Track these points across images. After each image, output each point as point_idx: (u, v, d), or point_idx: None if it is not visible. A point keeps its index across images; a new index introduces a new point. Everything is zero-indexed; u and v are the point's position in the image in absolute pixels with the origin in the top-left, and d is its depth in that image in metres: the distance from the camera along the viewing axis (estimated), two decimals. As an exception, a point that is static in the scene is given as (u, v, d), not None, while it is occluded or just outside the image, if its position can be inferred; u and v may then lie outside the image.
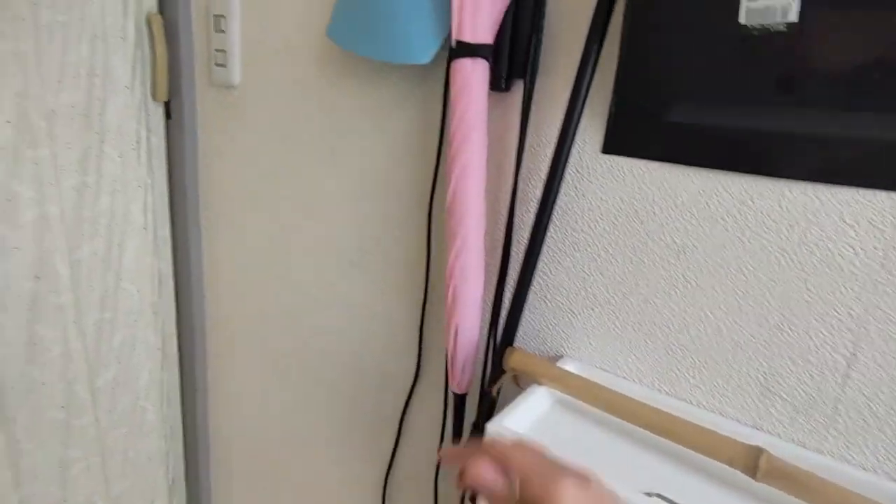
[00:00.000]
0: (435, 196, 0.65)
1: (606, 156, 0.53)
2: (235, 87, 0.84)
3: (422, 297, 0.69)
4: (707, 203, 0.49)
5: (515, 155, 0.57)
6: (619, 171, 0.53)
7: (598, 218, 0.55)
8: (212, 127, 0.89)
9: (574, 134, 0.52)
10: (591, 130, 0.54)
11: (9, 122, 0.73)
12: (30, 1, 0.72)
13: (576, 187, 0.56)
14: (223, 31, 0.81)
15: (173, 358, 1.02)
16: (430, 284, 0.68)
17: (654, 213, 0.51)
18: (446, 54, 0.56)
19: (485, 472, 0.32)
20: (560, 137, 0.52)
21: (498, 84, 0.57)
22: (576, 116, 0.52)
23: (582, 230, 0.56)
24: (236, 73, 0.83)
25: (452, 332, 0.60)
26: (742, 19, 0.42)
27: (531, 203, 0.59)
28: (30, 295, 0.80)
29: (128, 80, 0.83)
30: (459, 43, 0.54)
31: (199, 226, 0.96)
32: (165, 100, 0.89)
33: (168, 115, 0.92)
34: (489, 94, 0.57)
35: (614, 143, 0.53)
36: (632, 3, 0.48)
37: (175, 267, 0.99)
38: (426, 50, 0.58)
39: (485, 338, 0.63)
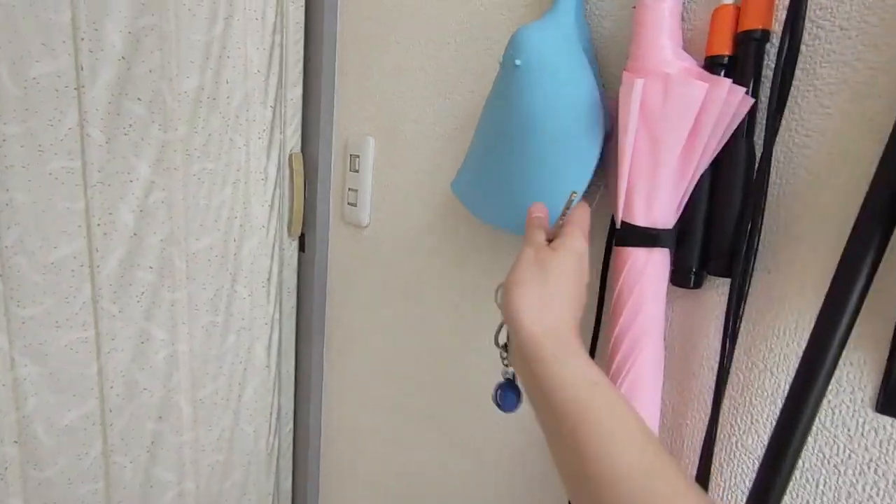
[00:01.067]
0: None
1: (883, 417, 0.32)
2: (365, 227, 0.77)
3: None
4: None
5: (714, 380, 0.39)
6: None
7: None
8: (342, 264, 0.84)
9: (827, 376, 0.32)
10: (853, 368, 0.33)
11: (151, 267, 0.73)
12: (185, 152, 0.73)
13: (822, 451, 0.35)
14: (357, 171, 0.77)
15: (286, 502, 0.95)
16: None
17: None
18: (602, 224, 0.41)
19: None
20: (803, 374, 0.33)
21: (683, 279, 0.40)
22: (831, 349, 0.32)
23: (833, 523, 0.34)
24: (366, 213, 0.76)
25: None
26: None
27: (739, 453, 0.39)
28: (151, 436, 0.78)
29: (264, 220, 0.82)
30: (627, 225, 0.39)
31: (323, 363, 0.90)
32: (300, 234, 0.87)
33: (302, 248, 0.89)
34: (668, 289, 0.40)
35: (900, 402, 0.31)
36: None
37: (296, 404, 0.93)
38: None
39: None
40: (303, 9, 0.80)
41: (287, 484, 0.96)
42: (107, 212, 0.69)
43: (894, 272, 0.31)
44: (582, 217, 0.39)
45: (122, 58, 0.66)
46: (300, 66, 0.82)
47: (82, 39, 0.63)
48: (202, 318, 0.80)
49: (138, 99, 0.68)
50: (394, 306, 0.73)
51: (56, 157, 0.65)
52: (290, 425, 0.94)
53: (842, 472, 0.34)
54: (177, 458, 0.80)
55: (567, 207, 0.39)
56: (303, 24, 0.81)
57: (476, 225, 0.60)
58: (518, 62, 0.40)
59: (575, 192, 0.39)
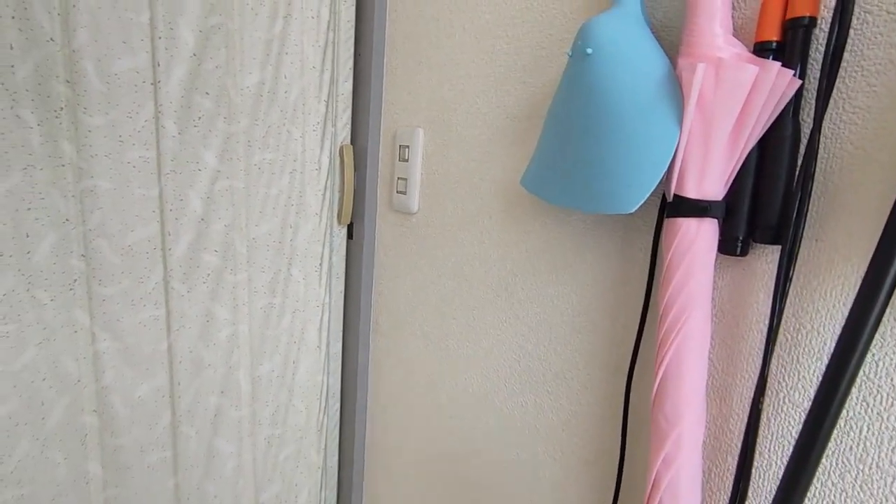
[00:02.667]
0: (635, 373, 0.51)
1: (925, 367, 0.36)
2: (414, 214, 0.82)
3: (611, 497, 0.54)
4: None
5: (764, 341, 0.42)
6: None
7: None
8: (390, 250, 0.88)
9: (872, 331, 0.35)
10: (893, 323, 0.36)
11: (216, 251, 0.78)
12: (246, 143, 0.79)
13: (865, 401, 0.38)
14: (406, 161, 0.81)
15: (333, 478, 0.99)
16: (622, 485, 0.53)
17: None
18: (652, 199, 0.45)
19: None
20: (847, 335, 0.36)
21: (731, 247, 0.43)
22: (876, 307, 0.35)
23: (881, 466, 0.38)
24: (415, 201, 0.81)
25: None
26: None
27: (787, 407, 0.42)
28: (214, 409, 0.84)
29: (317, 207, 0.87)
30: (679, 198, 0.42)
31: (369, 345, 0.95)
32: (349, 223, 0.92)
33: (350, 235, 0.94)
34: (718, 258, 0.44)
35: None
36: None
37: (342, 384, 0.98)
38: (633, 200, 0.46)
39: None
40: (353, 7, 0.85)
41: (334, 459, 1.01)
42: (178, 198, 0.74)
43: (936, 235, 0.34)
44: None
45: (194, 55, 0.71)
46: (350, 62, 0.87)
47: (159, 38, 0.69)
48: (261, 299, 0.85)
49: (206, 93, 0.74)
50: (443, 286, 0.77)
51: (134, 147, 0.70)
52: (338, 404, 0.99)
53: (885, 418, 0.37)
54: (236, 431, 0.86)
55: None
56: (353, 23, 0.86)
57: (525, 207, 0.64)
58: (589, 50, 0.43)
59: None
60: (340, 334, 0.97)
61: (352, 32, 0.86)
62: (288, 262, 0.86)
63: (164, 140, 0.72)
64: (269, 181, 0.82)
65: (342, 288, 0.95)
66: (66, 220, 0.67)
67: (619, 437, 0.53)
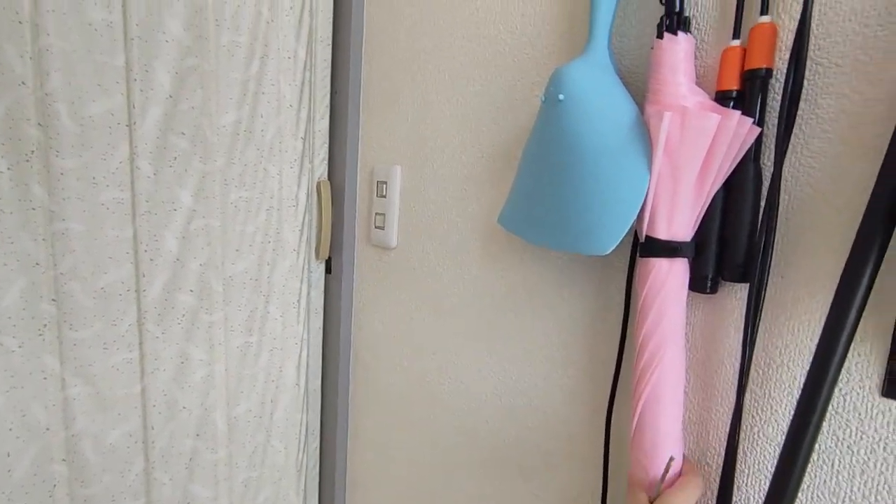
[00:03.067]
0: (614, 409, 0.52)
1: (889, 401, 0.37)
2: (392, 249, 0.82)
3: (598, 531, 0.54)
4: None
5: (737, 377, 0.43)
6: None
7: (878, 482, 0.37)
8: (369, 285, 0.88)
9: (839, 366, 0.37)
10: (861, 359, 0.38)
11: (192, 291, 0.77)
12: (223, 182, 0.78)
13: (835, 435, 0.39)
14: (384, 196, 0.82)
15: (312, 519, 0.97)
16: (609, 520, 0.53)
17: None
18: (626, 238, 0.46)
19: None
20: (817, 366, 0.37)
21: (701, 285, 0.45)
22: (840, 344, 0.36)
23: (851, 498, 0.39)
24: (393, 236, 0.81)
25: None
26: None
27: (762, 441, 0.43)
28: (190, 453, 0.81)
29: (295, 244, 0.87)
30: (650, 239, 0.44)
31: (349, 380, 0.94)
32: (327, 258, 0.91)
33: (329, 270, 0.93)
34: (690, 296, 0.45)
35: (904, 387, 0.36)
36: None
37: (322, 421, 0.96)
38: (608, 242, 0.47)
39: None
40: (329, 48, 0.87)
41: (314, 501, 0.98)
42: (153, 239, 0.73)
43: (892, 275, 0.36)
44: (685, 484, 0.42)
45: (170, 96, 0.71)
46: (327, 99, 0.88)
47: (135, 80, 0.69)
48: (237, 338, 0.84)
49: (182, 133, 0.74)
50: (423, 321, 0.78)
51: (108, 188, 0.69)
52: (317, 442, 0.97)
53: (854, 451, 0.38)
54: (212, 475, 0.83)
55: (666, 471, 0.43)
56: (329, 62, 0.87)
57: (503, 245, 0.65)
58: (561, 97, 0.45)
59: (673, 458, 0.43)
60: (320, 370, 0.96)
61: (328, 72, 0.87)
62: (265, 299, 0.85)
63: (138, 181, 0.71)
64: (246, 219, 0.81)
65: (321, 324, 0.95)
66: (37, 263, 0.66)
67: (601, 474, 0.53)
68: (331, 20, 0.86)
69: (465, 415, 0.72)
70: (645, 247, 0.45)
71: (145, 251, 0.73)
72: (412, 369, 0.80)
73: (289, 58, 0.82)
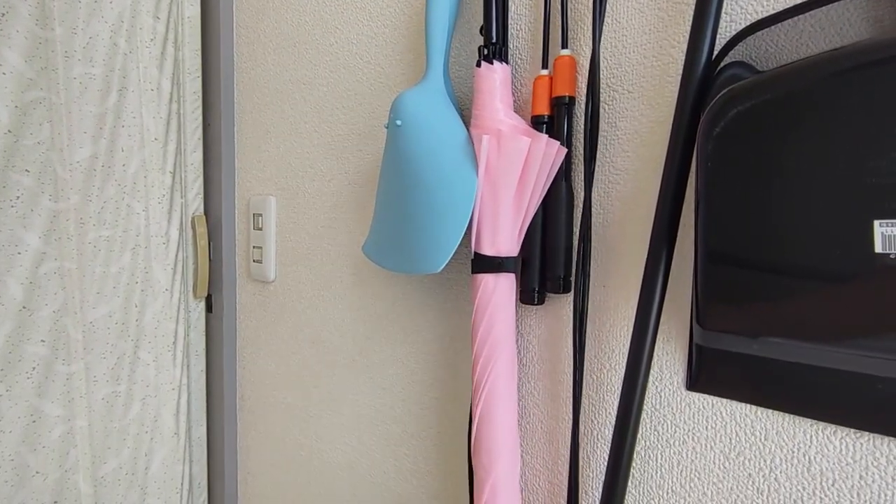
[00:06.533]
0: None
1: (693, 393, 0.40)
2: (271, 282, 0.80)
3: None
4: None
5: (572, 384, 0.45)
6: (709, 412, 0.39)
7: (690, 469, 0.40)
8: (251, 321, 0.85)
9: (647, 366, 0.39)
10: (669, 357, 0.41)
11: (43, 340, 0.71)
12: (78, 221, 0.73)
13: (656, 430, 0.42)
14: (260, 229, 0.80)
15: (200, 580, 0.89)
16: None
17: (768, 472, 0.36)
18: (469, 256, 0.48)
19: None
20: (629, 371, 0.40)
21: (529, 297, 0.47)
22: (646, 345, 0.39)
23: (671, 487, 0.41)
24: (272, 269, 0.79)
25: None
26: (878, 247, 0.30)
27: (601, 444, 0.45)
28: (46, 523, 0.73)
29: (168, 283, 0.82)
30: (478, 255, 0.46)
31: (236, 425, 0.89)
32: (206, 295, 0.87)
33: (210, 308, 0.89)
34: (525, 308, 0.47)
35: (701, 380, 0.39)
36: (710, 217, 0.37)
37: (209, 471, 0.90)
38: (439, 261, 0.48)
39: None
40: (199, 79, 0.85)
41: (203, 559, 0.91)
42: (-8, 286, 0.67)
43: (682, 282, 0.40)
44: None
45: (9, 131, 0.67)
46: (199, 132, 0.85)
47: (-35, 116, 0.64)
48: (102, 389, 0.77)
49: (26, 171, 0.68)
50: (302, 355, 0.75)
51: (-66, 233, 0.63)
52: (205, 495, 0.91)
53: (672, 444, 0.41)
54: (76, 545, 0.75)
55: None
56: (200, 94, 0.85)
57: (372, 271, 0.65)
58: (399, 122, 0.46)
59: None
60: (204, 417, 0.90)
61: (199, 103, 0.85)
62: (134, 343, 0.80)
63: (-28, 223, 0.65)
64: (108, 259, 0.76)
65: (203, 366, 0.90)
66: None
67: (468, 494, 0.53)
68: (198, 52, 0.84)
69: (347, 448, 0.70)
70: (474, 263, 0.46)
71: (-18, 300, 0.66)
72: (296, 405, 0.77)
73: (152, 90, 0.79)
